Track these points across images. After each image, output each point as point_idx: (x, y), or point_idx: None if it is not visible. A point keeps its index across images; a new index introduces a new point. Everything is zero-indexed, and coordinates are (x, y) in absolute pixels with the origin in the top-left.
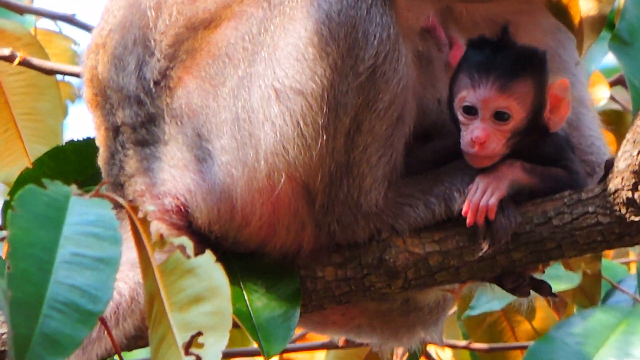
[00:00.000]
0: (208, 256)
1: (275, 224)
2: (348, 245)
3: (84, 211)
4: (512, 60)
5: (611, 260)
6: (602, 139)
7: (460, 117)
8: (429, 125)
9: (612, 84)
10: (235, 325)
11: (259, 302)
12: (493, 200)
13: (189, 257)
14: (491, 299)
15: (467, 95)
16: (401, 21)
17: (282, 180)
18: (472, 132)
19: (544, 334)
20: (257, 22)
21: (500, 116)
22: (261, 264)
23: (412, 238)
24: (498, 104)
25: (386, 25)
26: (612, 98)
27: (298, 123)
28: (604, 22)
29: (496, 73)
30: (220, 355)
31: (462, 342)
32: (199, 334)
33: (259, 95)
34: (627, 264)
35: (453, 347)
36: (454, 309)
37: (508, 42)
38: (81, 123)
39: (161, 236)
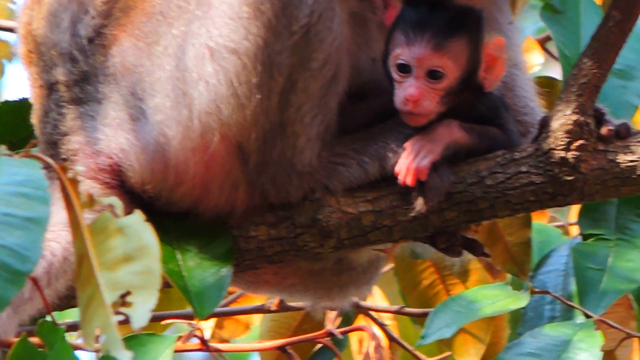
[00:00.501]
0: (137, 216)
1: (208, 184)
2: (281, 205)
3: (12, 171)
4: (448, 19)
5: (547, 224)
6: (535, 101)
7: (395, 74)
8: (364, 84)
9: (543, 41)
10: (167, 285)
11: (191, 261)
12: (425, 163)
13: (118, 216)
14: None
15: (402, 52)
16: None
17: (216, 139)
18: (406, 90)
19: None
20: None
21: (433, 74)
22: (194, 224)
23: (346, 197)
24: (432, 62)
25: None
26: (546, 51)
27: (232, 82)
28: None
29: (431, 31)
30: (149, 314)
31: (395, 307)
32: (128, 293)
33: (193, 54)
34: (564, 227)
35: (386, 311)
36: (390, 266)
37: (444, 1)
38: (19, 82)
39: (90, 196)
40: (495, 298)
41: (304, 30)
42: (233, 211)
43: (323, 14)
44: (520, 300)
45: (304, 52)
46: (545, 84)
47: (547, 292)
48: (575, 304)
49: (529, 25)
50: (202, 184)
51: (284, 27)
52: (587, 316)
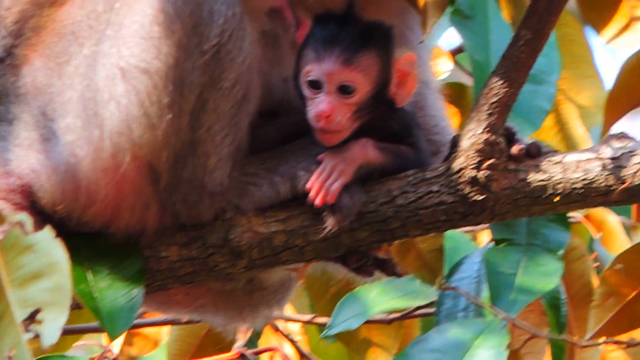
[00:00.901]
0: (47, 232)
1: (119, 204)
2: (193, 225)
3: None
4: (357, 34)
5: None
6: (446, 120)
7: (306, 91)
8: (275, 103)
9: (454, 53)
10: (78, 306)
11: (102, 282)
12: (336, 186)
13: (28, 233)
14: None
15: (312, 69)
16: (247, 1)
17: (127, 159)
18: (317, 106)
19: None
20: (103, 0)
21: (344, 89)
22: (105, 244)
23: (257, 217)
24: (342, 77)
25: (231, 3)
26: (456, 63)
27: (143, 102)
28: (447, 2)
29: (340, 46)
30: (60, 331)
31: (307, 317)
32: (38, 310)
33: (104, 74)
34: (472, 233)
35: (297, 321)
36: (301, 280)
37: (354, 17)
38: None
39: None
40: (403, 292)
41: (214, 49)
42: (144, 231)
43: (234, 34)
44: (427, 296)
45: (214, 71)
46: (454, 90)
47: (453, 289)
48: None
49: (435, 38)
50: (113, 204)
51: (194, 47)
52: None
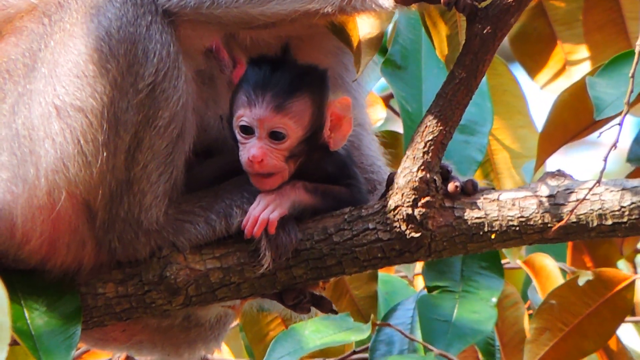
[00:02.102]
0: None
1: (55, 242)
2: (129, 262)
3: None
4: (289, 79)
5: (393, 275)
6: (382, 160)
7: (238, 135)
8: (211, 142)
9: (387, 99)
10: (15, 343)
11: (39, 320)
12: (275, 215)
13: None
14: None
15: (244, 114)
16: (183, 40)
17: (63, 197)
18: (249, 151)
19: None
20: (38, 38)
21: (275, 135)
22: (42, 281)
23: (193, 254)
24: (273, 123)
25: (166, 43)
26: (390, 108)
27: (78, 140)
28: (381, 39)
29: (272, 92)
30: None
31: None
32: None
33: (39, 112)
34: (407, 277)
35: None
36: (236, 322)
37: (288, 60)
38: None
39: None
40: (338, 329)
41: (149, 88)
42: (81, 268)
43: (168, 73)
44: (361, 332)
45: (149, 110)
46: (388, 138)
47: (388, 325)
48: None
49: (371, 80)
50: (49, 242)
51: (129, 85)
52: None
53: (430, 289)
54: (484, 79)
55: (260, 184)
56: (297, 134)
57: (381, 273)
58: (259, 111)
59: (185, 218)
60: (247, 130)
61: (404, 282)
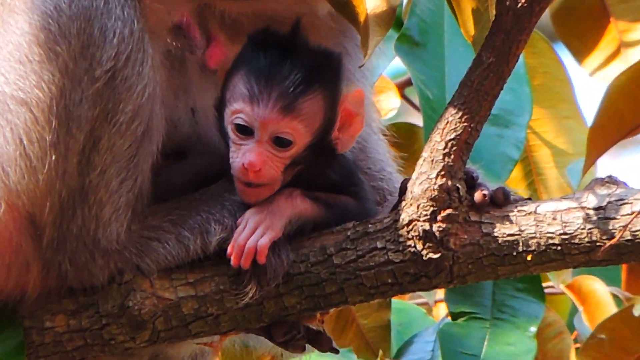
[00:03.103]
0: None
1: None
2: (83, 290)
3: None
4: (302, 70)
5: (408, 302)
6: (393, 165)
7: (232, 134)
8: (182, 140)
9: (402, 86)
10: None
11: None
12: (264, 241)
13: None
14: None
15: (242, 110)
16: (148, 15)
17: (1, 210)
18: (245, 156)
19: None
20: None
21: (279, 141)
22: None
23: (162, 280)
24: (279, 127)
25: (128, 19)
26: (405, 99)
27: (21, 140)
28: (394, 14)
29: (280, 88)
30: None
31: None
32: None
33: None
34: (426, 305)
35: None
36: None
37: (299, 43)
38: None
39: None
40: None
41: (108, 75)
42: (24, 297)
43: (131, 56)
44: None
45: (108, 102)
46: (403, 132)
47: None
48: None
49: (383, 62)
50: None
51: (84, 73)
52: None
53: (454, 316)
54: (521, 59)
55: (248, 195)
56: (304, 140)
57: (394, 300)
58: (263, 111)
59: (152, 235)
60: (245, 130)
61: (421, 311)
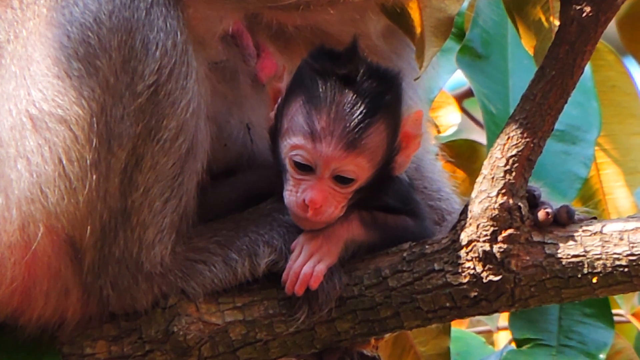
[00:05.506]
0: None
1: (31, 289)
2: (126, 315)
3: None
4: (366, 100)
5: (466, 330)
6: (449, 185)
7: (290, 168)
8: (232, 159)
9: (460, 98)
10: None
11: None
12: (320, 268)
13: None
14: None
15: (303, 146)
16: (195, 25)
17: (40, 233)
18: (305, 193)
19: None
20: (6, 26)
21: (342, 179)
22: (14, 340)
23: (208, 304)
24: (342, 165)
25: (171, 30)
26: (465, 112)
27: (60, 160)
28: (452, 23)
29: (344, 124)
30: None
31: None
32: None
33: (9, 123)
34: (487, 333)
35: None
36: None
37: (359, 66)
38: None
39: None
40: None
41: (150, 90)
42: (64, 323)
43: (175, 70)
44: None
45: (151, 119)
46: (464, 149)
47: None
48: None
49: (442, 74)
50: (22, 290)
51: (125, 88)
52: None
53: (519, 343)
54: (588, 72)
55: (306, 225)
56: (367, 174)
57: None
58: (326, 149)
59: (198, 257)
60: (304, 167)
61: (480, 340)
